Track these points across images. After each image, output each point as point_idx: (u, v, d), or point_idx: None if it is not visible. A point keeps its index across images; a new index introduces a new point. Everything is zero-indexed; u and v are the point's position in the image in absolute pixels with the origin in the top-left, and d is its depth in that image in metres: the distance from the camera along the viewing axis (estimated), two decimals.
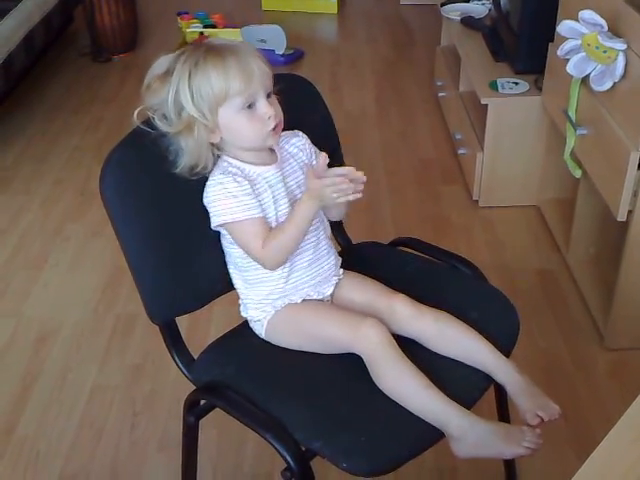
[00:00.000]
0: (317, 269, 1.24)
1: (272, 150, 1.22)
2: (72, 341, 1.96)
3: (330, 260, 1.26)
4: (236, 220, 1.15)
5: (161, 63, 1.15)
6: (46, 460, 1.63)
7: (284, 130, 1.23)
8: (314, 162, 1.26)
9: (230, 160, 1.19)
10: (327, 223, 1.30)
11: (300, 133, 1.27)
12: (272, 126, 1.15)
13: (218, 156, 1.20)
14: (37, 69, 3.44)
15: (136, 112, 1.16)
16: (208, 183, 1.17)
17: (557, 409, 1.13)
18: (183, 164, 1.16)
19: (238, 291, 1.25)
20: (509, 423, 1.39)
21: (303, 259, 1.22)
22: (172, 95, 1.13)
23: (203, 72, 1.11)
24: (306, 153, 1.27)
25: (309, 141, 1.28)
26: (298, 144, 1.26)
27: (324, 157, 1.12)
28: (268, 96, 1.15)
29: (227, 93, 1.11)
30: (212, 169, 1.19)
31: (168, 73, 1.14)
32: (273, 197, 1.18)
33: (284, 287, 1.22)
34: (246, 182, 1.15)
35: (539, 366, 1.79)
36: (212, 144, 1.17)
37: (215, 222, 1.17)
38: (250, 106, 1.13)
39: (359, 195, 1.10)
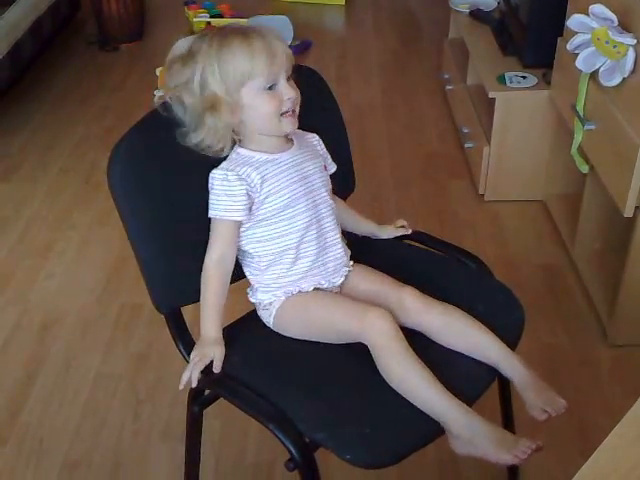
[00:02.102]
0: (325, 258, 1.24)
1: (288, 139, 1.24)
2: (76, 329, 1.97)
3: (339, 250, 1.26)
4: (211, 216, 1.18)
5: (181, 45, 1.17)
6: (49, 447, 1.64)
7: (298, 129, 1.24)
8: (327, 160, 1.30)
9: (240, 151, 1.20)
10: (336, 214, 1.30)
11: (315, 134, 1.30)
12: (290, 107, 1.17)
13: (239, 140, 1.21)
14: (44, 58, 3.43)
15: (157, 97, 1.18)
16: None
17: (563, 403, 1.13)
18: (199, 140, 1.17)
19: (248, 277, 1.26)
20: (512, 417, 1.40)
21: (309, 248, 1.22)
22: (199, 73, 1.14)
23: (229, 51, 1.13)
24: (322, 147, 1.30)
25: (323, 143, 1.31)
26: (313, 139, 1.30)
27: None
28: (288, 79, 1.17)
29: (251, 72, 1.13)
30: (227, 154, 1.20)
31: (190, 54, 1.15)
32: (282, 183, 1.19)
33: (294, 271, 1.22)
34: (236, 182, 1.15)
35: (542, 361, 1.79)
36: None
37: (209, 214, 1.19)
38: (271, 87, 1.15)
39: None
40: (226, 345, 1.19)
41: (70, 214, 2.43)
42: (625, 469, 0.79)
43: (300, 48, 3.50)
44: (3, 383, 1.81)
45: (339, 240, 1.27)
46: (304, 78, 1.26)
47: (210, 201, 1.18)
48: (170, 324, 1.25)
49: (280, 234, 1.20)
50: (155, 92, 1.18)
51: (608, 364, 1.81)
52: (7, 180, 2.63)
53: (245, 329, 1.27)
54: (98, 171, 2.60)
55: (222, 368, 1.17)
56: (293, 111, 1.18)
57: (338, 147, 1.37)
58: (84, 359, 1.87)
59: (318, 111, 1.36)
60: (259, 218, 1.19)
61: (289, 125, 1.19)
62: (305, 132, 1.28)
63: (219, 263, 1.18)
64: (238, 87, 1.14)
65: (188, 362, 1.23)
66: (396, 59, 3.49)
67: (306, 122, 1.28)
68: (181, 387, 1.16)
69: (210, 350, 1.17)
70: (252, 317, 1.27)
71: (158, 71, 3.02)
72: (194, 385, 1.16)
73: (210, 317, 1.18)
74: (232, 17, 3.69)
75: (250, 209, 1.18)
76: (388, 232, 1.42)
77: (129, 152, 1.18)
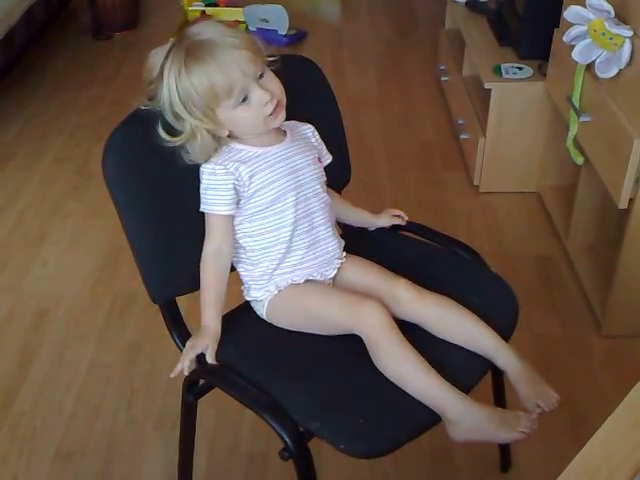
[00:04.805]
0: (316, 251, 1.24)
1: (281, 131, 1.23)
2: (70, 318, 1.96)
3: (331, 243, 1.26)
4: (203, 210, 1.18)
5: (153, 63, 1.15)
6: (43, 435, 1.64)
7: (293, 119, 1.24)
8: (322, 151, 1.30)
9: (232, 144, 1.20)
10: (331, 206, 1.30)
11: (310, 125, 1.29)
12: (271, 109, 1.15)
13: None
14: (37, 46, 3.41)
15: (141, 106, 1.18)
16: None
17: (556, 397, 1.14)
18: (194, 160, 1.18)
19: (241, 273, 1.26)
20: (505, 408, 1.40)
21: (300, 242, 1.22)
22: (169, 109, 1.14)
23: (188, 82, 1.12)
24: (316, 139, 1.29)
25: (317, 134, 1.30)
26: (307, 130, 1.28)
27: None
28: (261, 76, 1.15)
29: (217, 98, 1.12)
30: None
31: (160, 76, 1.14)
32: (271, 177, 1.18)
33: (285, 264, 1.22)
34: (224, 176, 1.16)
35: (536, 352, 1.80)
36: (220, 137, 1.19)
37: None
38: (245, 99, 1.14)
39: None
40: (222, 335, 1.19)
41: (64, 203, 2.42)
42: (618, 459, 0.80)
43: (295, 38, 3.48)
44: None
45: (332, 233, 1.27)
46: (300, 67, 1.25)
47: (200, 195, 1.18)
48: (165, 314, 1.25)
49: (270, 228, 1.20)
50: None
51: (601, 355, 1.82)
52: (1, 169, 2.62)
53: (240, 320, 1.27)
54: (92, 160, 2.59)
55: (217, 358, 1.17)
56: (277, 106, 1.16)
57: (334, 137, 1.37)
58: (78, 348, 1.87)
59: (314, 100, 1.36)
60: (249, 212, 1.19)
61: (276, 121, 1.18)
62: (300, 123, 1.28)
63: (215, 255, 1.19)
64: (210, 112, 1.13)
65: (182, 352, 1.23)
66: (392, 49, 3.48)
67: (302, 111, 1.28)
68: (172, 375, 1.16)
69: (203, 341, 1.17)
70: (247, 307, 1.27)
71: None
72: (186, 373, 1.16)
73: (208, 308, 1.18)
74: (227, 6, 3.67)
75: (238, 203, 1.18)
76: (384, 220, 1.41)
77: (124, 142, 1.18)
